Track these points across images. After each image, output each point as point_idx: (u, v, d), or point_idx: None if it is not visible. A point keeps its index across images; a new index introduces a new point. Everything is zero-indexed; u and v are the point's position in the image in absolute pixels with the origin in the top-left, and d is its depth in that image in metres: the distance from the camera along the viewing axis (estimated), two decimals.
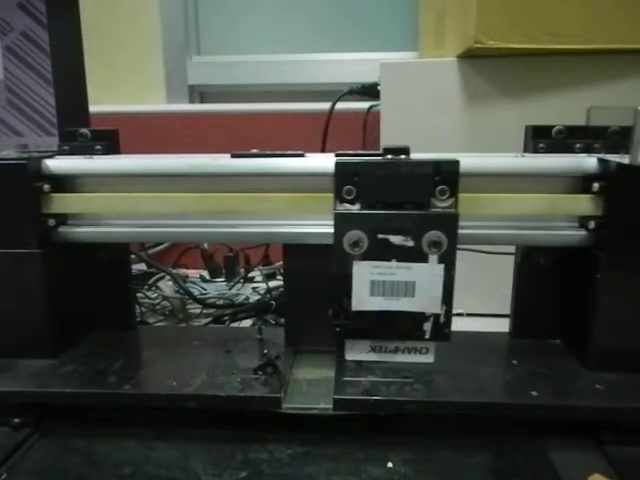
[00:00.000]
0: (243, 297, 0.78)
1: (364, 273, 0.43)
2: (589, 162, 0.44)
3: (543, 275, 0.50)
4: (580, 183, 0.45)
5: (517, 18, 0.60)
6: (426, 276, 0.43)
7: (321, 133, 0.85)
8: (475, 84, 0.66)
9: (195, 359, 0.49)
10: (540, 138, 0.49)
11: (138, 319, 0.66)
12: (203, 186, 0.46)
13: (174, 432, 0.44)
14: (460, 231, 0.45)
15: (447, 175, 0.42)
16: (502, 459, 0.41)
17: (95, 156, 0.50)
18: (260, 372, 0.46)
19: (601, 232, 0.44)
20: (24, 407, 0.45)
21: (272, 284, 0.77)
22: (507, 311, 0.54)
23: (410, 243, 0.42)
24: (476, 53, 0.63)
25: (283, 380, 0.45)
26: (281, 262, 0.51)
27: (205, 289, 0.80)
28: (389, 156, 0.43)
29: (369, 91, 0.84)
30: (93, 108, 0.62)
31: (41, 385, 0.45)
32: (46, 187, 0.46)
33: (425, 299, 0.43)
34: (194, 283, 0.81)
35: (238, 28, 1.13)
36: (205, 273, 0.87)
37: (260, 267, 0.86)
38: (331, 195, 0.45)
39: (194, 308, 0.74)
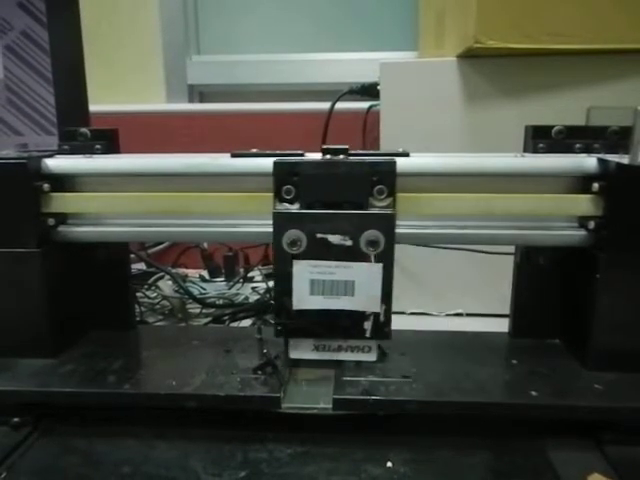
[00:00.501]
0: (243, 297, 0.78)
1: (303, 272, 0.43)
2: (589, 162, 0.44)
3: (543, 275, 0.50)
4: (580, 183, 0.45)
5: (517, 18, 0.60)
6: (365, 275, 0.43)
7: (321, 133, 0.85)
8: (475, 84, 0.66)
9: (195, 359, 0.49)
10: (540, 138, 0.49)
11: (138, 319, 0.66)
12: (203, 186, 0.46)
13: (174, 432, 0.44)
14: (460, 231, 0.45)
15: (384, 175, 0.43)
16: (502, 459, 0.41)
17: (95, 155, 0.50)
18: (260, 372, 0.46)
19: (601, 232, 0.44)
20: (23, 406, 0.45)
21: (272, 284, 0.77)
22: (507, 311, 0.54)
23: (348, 242, 0.43)
24: (476, 53, 0.63)
25: (283, 380, 0.45)
26: None
27: (205, 289, 0.80)
28: (328, 156, 0.44)
29: (369, 91, 0.84)
30: (93, 108, 0.62)
31: (40, 384, 0.45)
32: (46, 186, 0.46)
33: (364, 298, 0.44)
34: (194, 283, 0.81)
35: (238, 28, 1.13)
36: (205, 273, 0.87)
37: (260, 267, 0.86)
38: None
39: (194, 308, 0.74)
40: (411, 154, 0.46)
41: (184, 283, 0.77)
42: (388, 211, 0.43)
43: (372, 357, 0.46)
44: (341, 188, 0.43)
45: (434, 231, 0.45)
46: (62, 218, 0.48)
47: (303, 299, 0.44)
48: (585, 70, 0.63)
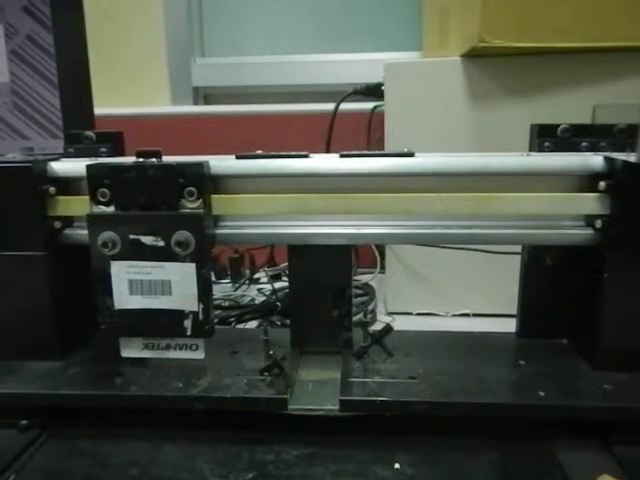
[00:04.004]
0: (249, 298, 0.78)
1: (121, 273, 0.44)
2: (595, 160, 0.44)
3: (550, 275, 0.50)
4: (586, 182, 0.45)
5: (521, 16, 0.60)
6: (180, 275, 0.44)
7: (325, 134, 0.85)
8: (479, 83, 0.66)
9: (201, 360, 0.49)
10: (546, 137, 0.48)
11: None
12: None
13: (180, 433, 0.44)
14: (468, 231, 0.45)
15: (193, 177, 0.43)
16: (510, 460, 0.41)
17: (100, 158, 0.50)
18: (266, 373, 0.46)
19: (608, 231, 0.43)
20: (31, 409, 0.45)
21: (278, 285, 0.77)
22: (514, 311, 0.53)
23: (161, 243, 0.43)
24: (480, 52, 0.63)
25: (289, 381, 0.45)
26: (286, 263, 0.51)
27: None
28: (141, 159, 0.44)
29: (373, 91, 0.84)
30: (98, 111, 0.63)
31: (48, 387, 0.45)
32: (52, 189, 0.46)
33: (182, 297, 0.44)
34: None
35: (242, 30, 1.13)
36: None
37: (265, 268, 0.86)
38: (338, 195, 0.44)
39: None
40: (416, 154, 0.46)
41: None
42: (198, 212, 0.43)
43: (200, 355, 0.47)
44: (153, 190, 0.43)
45: (440, 231, 0.45)
46: (68, 221, 0.48)
47: (123, 299, 0.45)
48: (590, 68, 0.63)
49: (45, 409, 0.45)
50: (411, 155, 0.45)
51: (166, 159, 0.44)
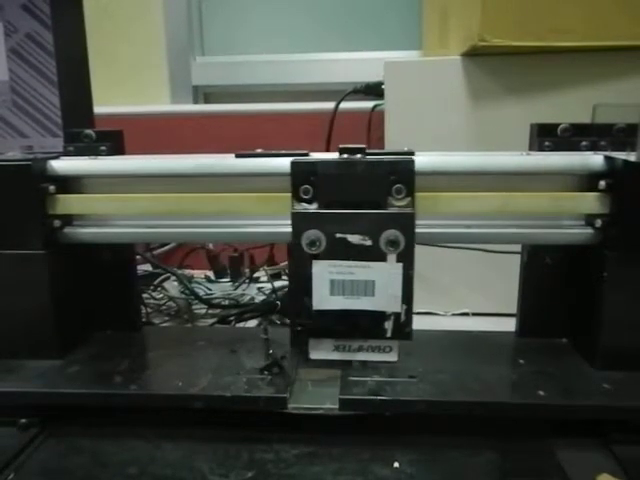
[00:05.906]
0: (248, 297, 0.78)
1: (323, 272, 0.43)
2: (595, 160, 0.44)
3: (549, 274, 0.50)
4: (586, 181, 0.45)
5: (521, 16, 0.60)
6: (385, 275, 0.43)
7: (325, 133, 0.85)
8: (479, 82, 0.66)
9: (201, 359, 0.49)
10: (546, 136, 0.48)
11: (144, 320, 0.66)
12: (208, 186, 0.46)
13: (180, 432, 0.44)
14: (467, 230, 0.45)
15: (403, 174, 0.42)
16: (510, 459, 0.41)
17: (100, 157, 0.50)
18: (266, 372, 0.46)
19: (608, 230, 0.43)
20: (31, 408, 0.45)
21: (277, 284, 0.77)
22: (513, 310, 0.53)
23: (368, 242, 0.42)
24: (480, 51, 0.63)
25: (289, 380, 0.45)
26: (286, 262, 0.51)
27: (210, 289, 0.80)
28: (345, 155, 0.43)
29: (373, 90, 0.84)
30: (97, 109, 0.62)
31: (47, 386, 0.45)
32: (51, 188, 0.46)
33: (385, 298, 0.43)
34: (199, 283, 0.81)
35: (242, 28, 1.13)
36: (210, 273, 0.87)
37: (265, 267, 0.86)
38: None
39: (199, 308, 0.74)
40: (416, 153, 0.46)
41: (190, 284, 0.77)
42: (407, 210, 0.42)
43: (393, 357, 0.46)
44: (359, 188, 0.43)
45: (440, 230, 0.45)
46: (68, 219, 0.48)
47: (324, 299, 0.44)
48: (590, 67, 0.63)
49: (44, 407, 0.45)
50: (411, 154, 0.45)
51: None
